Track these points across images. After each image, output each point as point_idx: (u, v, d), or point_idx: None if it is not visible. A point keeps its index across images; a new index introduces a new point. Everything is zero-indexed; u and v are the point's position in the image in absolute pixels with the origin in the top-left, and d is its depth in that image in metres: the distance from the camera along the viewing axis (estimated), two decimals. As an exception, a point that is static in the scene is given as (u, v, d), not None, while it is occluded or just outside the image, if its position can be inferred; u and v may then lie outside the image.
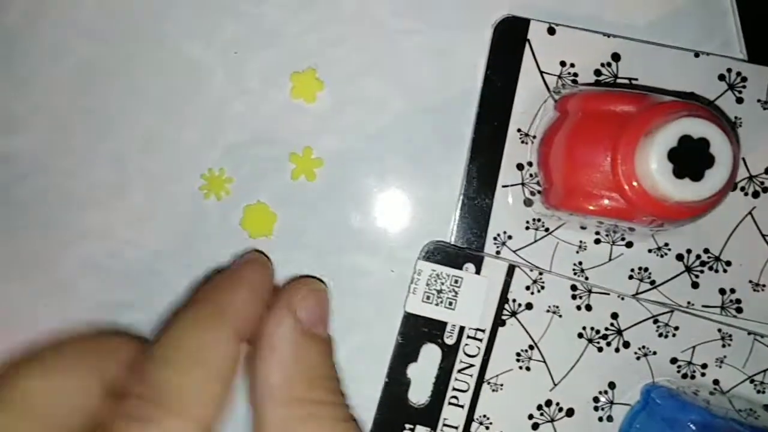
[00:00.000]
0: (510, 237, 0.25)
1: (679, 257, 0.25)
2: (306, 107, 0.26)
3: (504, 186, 0.25)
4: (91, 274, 0.26)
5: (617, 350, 0.25)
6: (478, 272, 0.24)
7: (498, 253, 0.25)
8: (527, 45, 0.25)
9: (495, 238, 0.25)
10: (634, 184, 0.20)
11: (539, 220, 0.25)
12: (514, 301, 0.25)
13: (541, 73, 0.25)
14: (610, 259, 0.25)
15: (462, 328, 0.24)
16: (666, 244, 0.25)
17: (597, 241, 0.25)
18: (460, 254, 0.25)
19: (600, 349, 0.25)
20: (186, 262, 0.26)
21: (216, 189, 0.26)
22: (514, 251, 0.25)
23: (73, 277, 0.26)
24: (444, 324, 0.24)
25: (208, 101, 0.26)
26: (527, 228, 0.25)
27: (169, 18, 0.26)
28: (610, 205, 0.22)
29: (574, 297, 0.25)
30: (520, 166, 0.25)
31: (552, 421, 0.25)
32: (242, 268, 0.22)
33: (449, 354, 0.24)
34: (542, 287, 0.25)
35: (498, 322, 0.25)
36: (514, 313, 0.25)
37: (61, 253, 0.26)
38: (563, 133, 0.23)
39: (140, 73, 0.26)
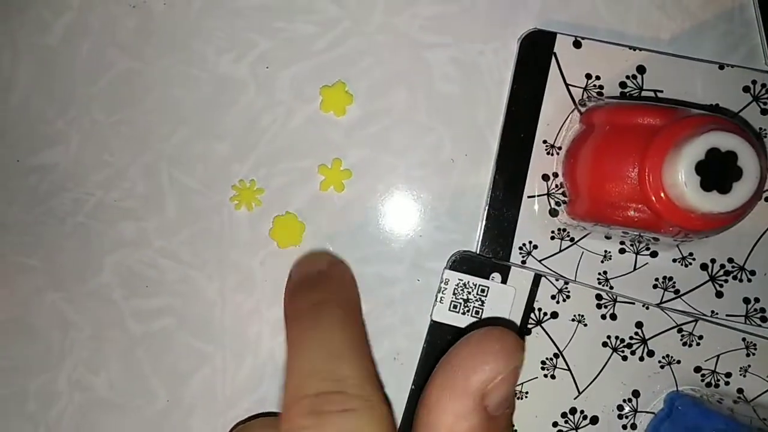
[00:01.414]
0: (535, 247, 0.25)
1: (704, 267, 0.25)
2: (336, 120, 0.26)
3: (530, 196, 0.25)
4: (125, 282, 0.27)
5: (641, 359, 0.25)
6: (504, 282, 0.25)
7: (524, 262, 0.25)
8: (553, 58, 0.25)
9: (521, 248, 0.25)
10: (662, 195, 0.21)
11: (564, 230, 0.25)
12: (539, 310, 0.25)
13: (567, 85, 0.25)
14: (634, 269, 0.25)
15: None
16: (690, 254, 0.25)
17: (622, 251, 0.25)
18: (486, 264, 0.25)
19: (624, 358, 0.25)
20: (217, 270, 0.26)
21: (247, 200, 0.26)
22: (539, 261, 0.25)
23: (108, 285, 0.26)
24: None
25: (240, 115, 0.26)
26: (552, 238, 0.25)
27: (203, 34, 0.27)
28: (637, 216, 0.22)
29: (599, 306, 0.25)
30: (545, 177, 0.25)
31: (576, 428, 0.25)
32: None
33: (476, 362, 0.25)
34: (567, 296, 0.25)
35: (524, 330, 0.25)
36: (539, 322, 0.25)
37: (97, 263, 0.27)
38: (590, 146, 0.24)
39: (174, 87, 0.27)
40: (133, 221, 0.26)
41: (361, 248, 0.26)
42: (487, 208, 0.26)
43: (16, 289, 0.27)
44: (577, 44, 0.25)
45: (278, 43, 0.26)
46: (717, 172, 0.20)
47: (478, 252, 0.25)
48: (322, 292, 0.22)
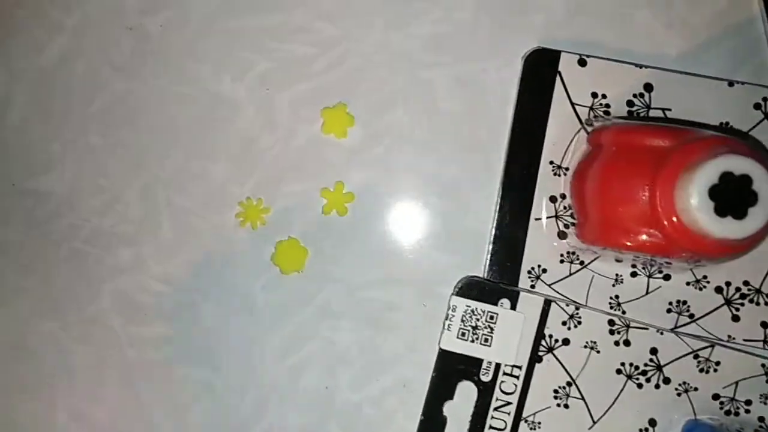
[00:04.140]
0: (544, 270, 0.25)
1: (719, 290, 0.24)
2: (337, 142, 0.26)
3: (537, 219, 0.25)
4: (123, 309, 0.26)
5: (657, 386, 0.24)
6: (513, 307, 0.24)
7: (532, 287, 0.25)
8: (558, 77, 0.25)
9: (529, 272, 0.25)
10: (674, 219, 0.20)
11: (574, 253, 0.25)
12: (550, 336, 0.24)
13: (573, 104, 0.25)
14: (647, 293, 0.25)
15: (498, 365, 0.24)
16: (704, 277, 0.25)
17: (633, 274, 0.25)
18: (495, 289, 0.24)
19: (640, 386, 0.24)
20: (217, 296, 0.26)
21: (252, 217, 0.26)
22: (548, 285, 0.25)
23: (106, 312, 0.26)
24: (480, 361, 0.24)
25: (239, 137, 0.26)
26: (562, 261, 0.25)
27: (200, 55, 0.26)
28: (649, 241, 0.21)
29: (611, 332, 0.24)
30: (553, 199, 0.25)
31: (590, 457, 0.24)
32: None
33: (485, 391, 0.24)
34: (579, 322, 0.24)
35: (535, 358, 0.24)
36: (551, 349, 0.24)
37: (93, 289, 0.26)
38: (597, 167, 0.23)
39: (171, 108, 0.26)
40: (130, 246, 0.26)
41: (365, 273, 0.26)
42: (493, 230, 0.25)
43: (10, 311, 0.26)
44: (582, 62, 0.25)
45: (277, 63, 0.26)
46: (731, 196, 0.19)
47: (485, 276, 0.25)
48: None
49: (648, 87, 0.25)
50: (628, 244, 0.22)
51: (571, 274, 0.25)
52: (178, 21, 0.26)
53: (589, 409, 0.24)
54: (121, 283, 0.26)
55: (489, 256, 0.25)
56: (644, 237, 0.21)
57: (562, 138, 0.25)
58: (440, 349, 0.24)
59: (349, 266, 0.26)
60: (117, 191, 0.26)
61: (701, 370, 0.24)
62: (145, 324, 0.26)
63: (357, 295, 0.25)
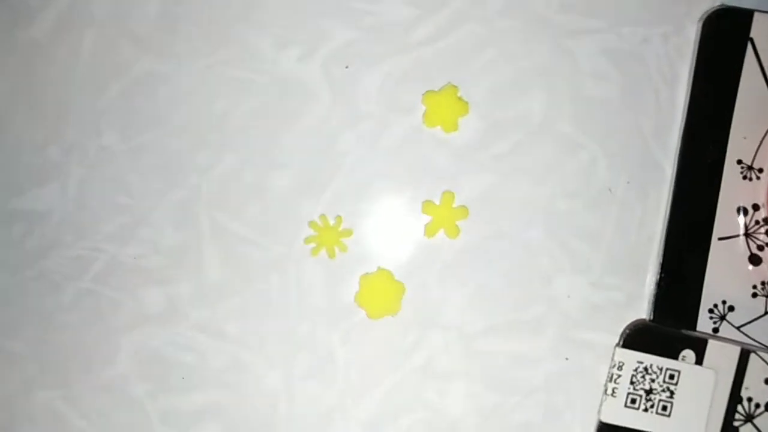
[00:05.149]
0: (731, 308, 0.19)
1: None
2: (445, 138, 0.21)
3: (720, 238, 0.20)
4: (150, 372, 0.21)
5: None
6: (699, 362, 0.19)
7: (715, 330, 0.19)
8: (749, 45, 0.20)
9: (711, 311, 0.20)
10: None
11: (771, 283, 0.20)
12: (749, 400, 0.19)
13: (768, 83, 0.20)
14: None
15: None
16: None
17: None
18: (674, 337, 0.19)
19: None
20: (281, 353, 0.20)
21: (329, 243, 0.21)
22: (737, 327, 0.19)
23: (127, 377, 0.21)
24: None
25: (310, 133, 0.21)
26: (755, 295, 0.19)
27: (255, 23, 0.21)
28: None
29: (833, 392, 0.19)
30: (743, 211, 0.20)
31: None
32: None
33: (668, 480, 0.18)
34: (788, 380, 0.19)
35: (729, 429, 0.19)
36: (749, 418, 0.19)
37: (109, 346, 0.21)
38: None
39: (215, 98, 0.21)
40: (160, 286, 0.21)
41: (485, 317, 0.20)
42: (660, 255, 0.20)
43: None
44: (781, 25, 0.20)
45: (362, 32, 0.21)
46: None
47: (650, 318, 0.19)
48: None
49: None
50: None
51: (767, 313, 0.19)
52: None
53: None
54: (148, 336, 0.21)
55: (655, 290, 0.20)
56: None
57: (755, 128, 0.20)
58: (600, 422, 0.19)
59: (462, 308, 0.20)
60: (142, 211, 0.21)
61: None
62: (182, 393, 0.20)
63: (473, 346, 0.20)
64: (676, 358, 0.19)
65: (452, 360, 0.20)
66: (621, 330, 0.20)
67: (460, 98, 0.21)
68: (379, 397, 0.20)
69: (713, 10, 0.20)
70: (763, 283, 0.20)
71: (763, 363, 0.19)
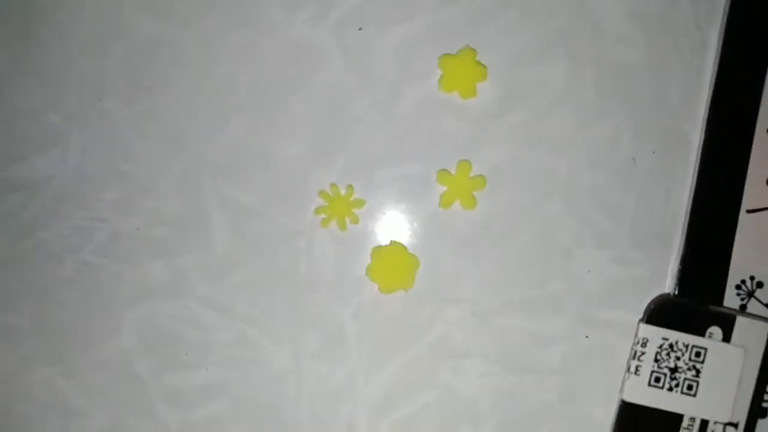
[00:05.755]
0: (760, 285, 0.19)
1: None
2: (462, 104, 0.20)
3: (749, 211, 0.19)
4: (154, 348, 0.20)
5: None
6: (727, 339, 0.18)
7: (743, 308, 0.18)
8: None
9: (738, 287, 0.19)
10: None
11: (803, 258, 0.19)
12: None
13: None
14: None
15: (705, 423, 0.18)
16: None
17: None
18: (701, 313, 0.18)
19: None
20: (290, 329, 0.20)
21: (339, 214, 0.20)
22: (765, 305, 0.19)
23: (129, 352, 0.20)
24: (680, 418, 0.18)
25: (321, 99, 0.20)
26: None
27: None
28: None
29: None
30: None
31: None
32: None
33: (693, 462, 0.18)
34: (820, 359, 0.18)
35: (757, 411, 0.18)
36: None
37: (111, 320, 0.20)
38: None
39: (222, 61, 0.20)
40: (165, 258, 0.20)
41: (501, 292, 0.19)
42: (685, 228, 0.19)
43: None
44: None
45: None
46: None
47: (673, 293, 0.18)
48: None
49: None
50: None
51: (799, 290, 0.19)
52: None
53: None
54: (151, 310, 0.20)
55: (680, 265, 0.19)
56: None
57: (789, 93, 0.19)
58: (623, 401, 0.18)
59: (477, 283, 0.19)
60: (145, 179, 0.20)
61: None
62: (186, 369, 0.20)
63: (489, 324, 0.20)
64: (702, 335, 0.18)
65: (467, 337, 0.19)
66: (643, 308, 0.19)
67: (478, 62, 0.20)
68: (391, 375, 0.20)
69: (745, -29, 0.19)
70: (794, 259, 0.19)
71: (794, 341, 0.19)
